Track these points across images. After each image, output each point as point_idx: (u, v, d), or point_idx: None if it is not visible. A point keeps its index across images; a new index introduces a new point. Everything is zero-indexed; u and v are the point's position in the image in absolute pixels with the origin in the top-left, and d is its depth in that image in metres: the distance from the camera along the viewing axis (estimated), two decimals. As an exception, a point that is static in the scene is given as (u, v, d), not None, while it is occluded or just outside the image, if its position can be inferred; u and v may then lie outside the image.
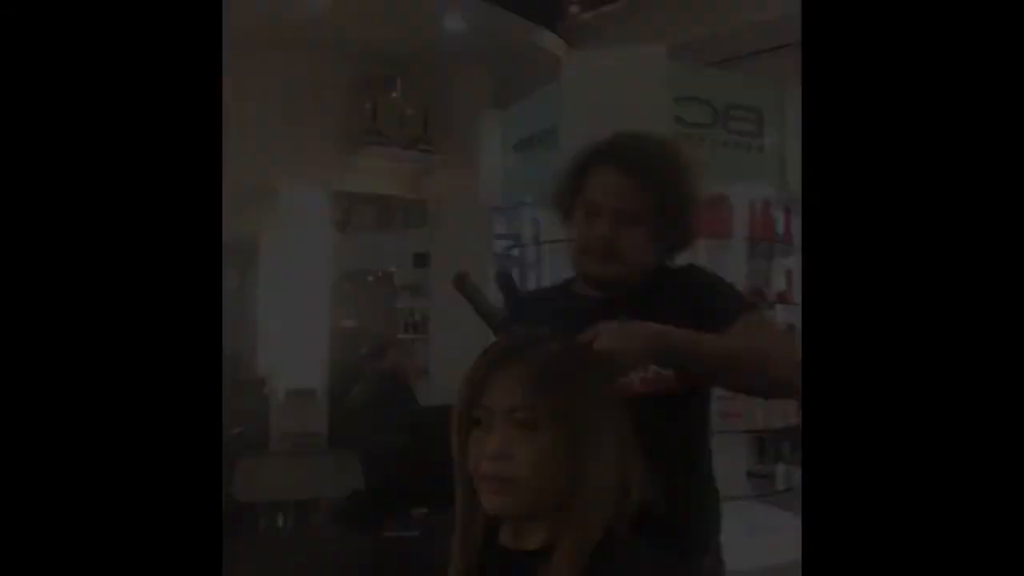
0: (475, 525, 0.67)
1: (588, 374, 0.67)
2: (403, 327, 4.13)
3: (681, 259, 1.05)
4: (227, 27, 0.52)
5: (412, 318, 4.16)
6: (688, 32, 3.08)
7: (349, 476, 2.62)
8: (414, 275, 4.10)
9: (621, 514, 0.62)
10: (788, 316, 2.39)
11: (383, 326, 4.28)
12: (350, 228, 4.62)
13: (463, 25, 3.27)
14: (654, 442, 0.66)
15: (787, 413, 2.12)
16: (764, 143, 2.48)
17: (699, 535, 0.94)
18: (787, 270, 2.51)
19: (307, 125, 3.55)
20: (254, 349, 3.63)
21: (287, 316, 3.38)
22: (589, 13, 3.67)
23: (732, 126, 2.52)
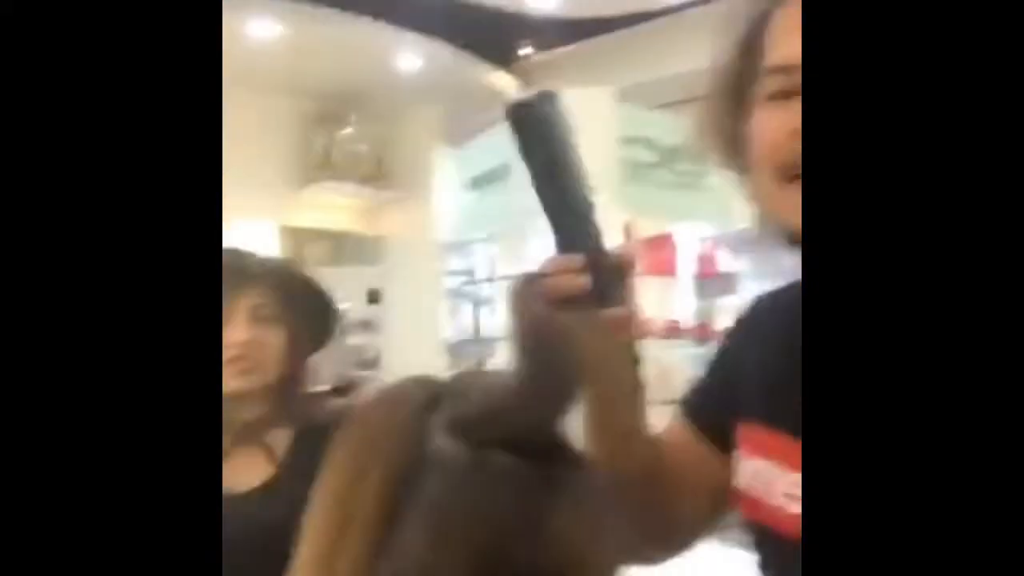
0: None
1: None
2: (356, 364, 4.09)
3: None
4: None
5: (365, 355, 4.12)
6: (636, 76, 3.16)
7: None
8: (367, 311, 4.08)
9: None
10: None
11: (336, 362, 4.22)
12: (303, 263, 4.58)
13: (417, 63, 3.31)
14: None
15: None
16: (710, 183, 2.55)
17: None
18: (732, 307, 2.57)
19: (259, 160, 3.53)
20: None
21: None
22: (541, 55, 3.75)
23: (677, 167, 2.59)
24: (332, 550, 0.42)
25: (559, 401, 0.43)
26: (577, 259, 0.57)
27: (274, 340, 1.15)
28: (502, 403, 0.42)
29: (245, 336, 1.11)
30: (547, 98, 0.58)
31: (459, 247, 3.56)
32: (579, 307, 0.56)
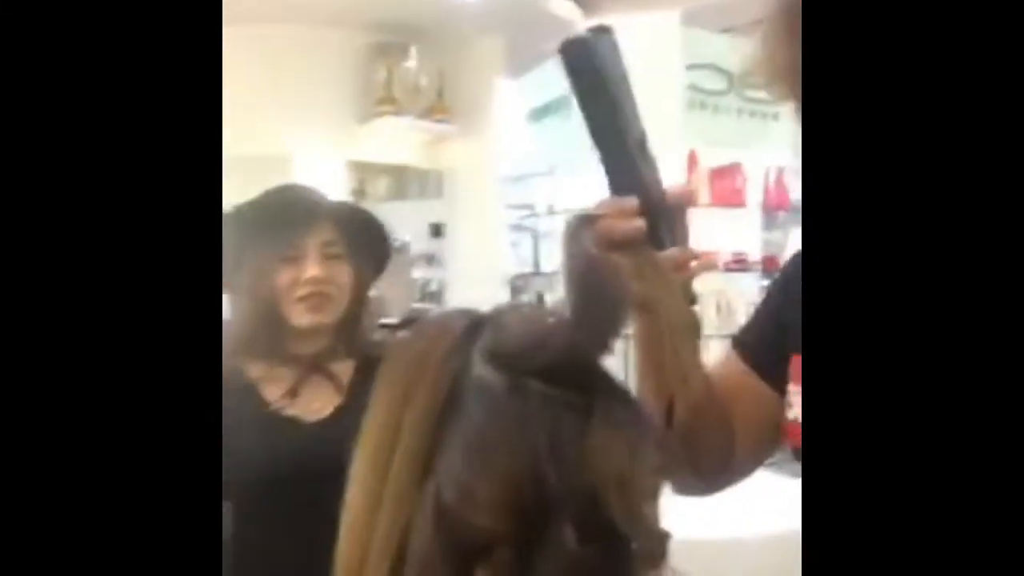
0: None
1: None
2: (419, 296, 4.16)
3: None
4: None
5: (428, 288, 4.18)
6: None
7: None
8: (430, 245, 4.12)
9: None
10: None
11: (401, 295, 4.30)
12: (365, 198, 4.63)
13: (477, -8, 3.24)
14: None
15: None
16: (779, 111, 2.46)
17: None
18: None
19: (320, 94, 3.55)
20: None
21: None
22: (605, -21, 3.62)
23: (747, 94, 2.50)
24: (381, 471, 0.44)
25: (603, 337, 0.44)
26: (631, 201, 0.57)
27: (342, 276, 1.19)
28: (543, 336, 0.43)
29: (318, 272, 1.15)
30: (601, 34, 0.57)
31: (520, 180, 3.54)
32: (633, 248, 0.57)
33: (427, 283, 4.16)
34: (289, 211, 1.18)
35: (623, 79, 0.58)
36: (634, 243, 0.57)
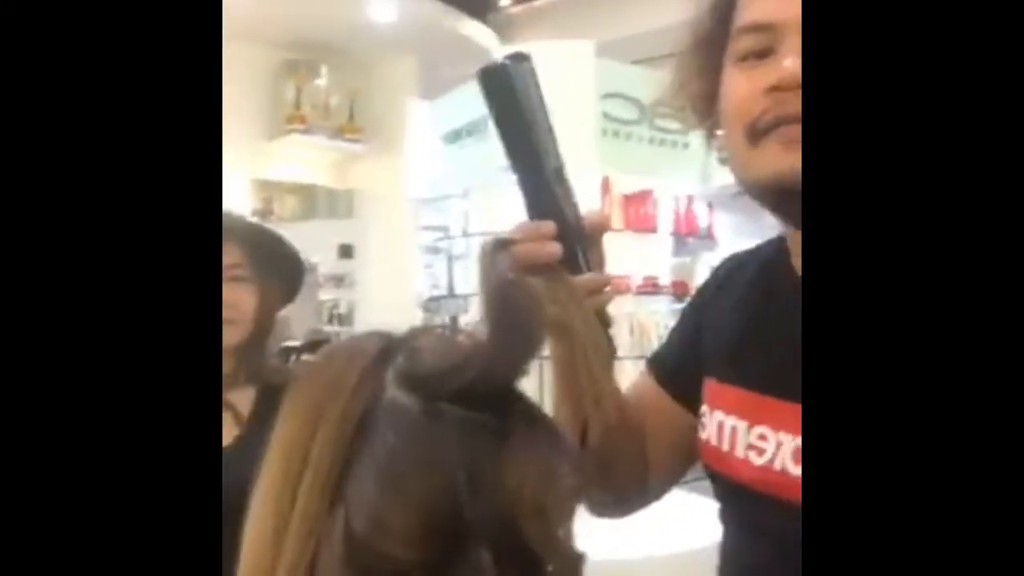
0: None
1: None
2: (327, 318, 4.07)
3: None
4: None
5: (336, 309, 4.09)
6: (617, 29, 3.12)
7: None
8: (338, 266, 4.04)
9: None
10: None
11: (308, 317, 4.20)
12: (272, 217, 4.51)
13: (391, 13, 3.23)
14: None
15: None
16: (689, 140, 2.55)
17: None
18: (711, 265, 2.59)
19: (228, 112, 3.44)
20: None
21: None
22: (520, 7, 3.68)
23: (658, 123, 2.58)
24: (286, 498, 0.42)
25: (519, 360, 0.43)
26: (547, 226, 0.58)
27: (246, 300, 1.14)
28: (458, 359, 0.43)
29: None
30: (519, 62, 0.57)
31: (434, 202, 3.52)
32: (549, 272, 0.57)
33: (335, 304, 4.07)
34: None
35: (540, 106, 0.58)
36: (550, 267, 0.57)
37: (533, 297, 0.47)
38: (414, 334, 0.47)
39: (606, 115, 2.59)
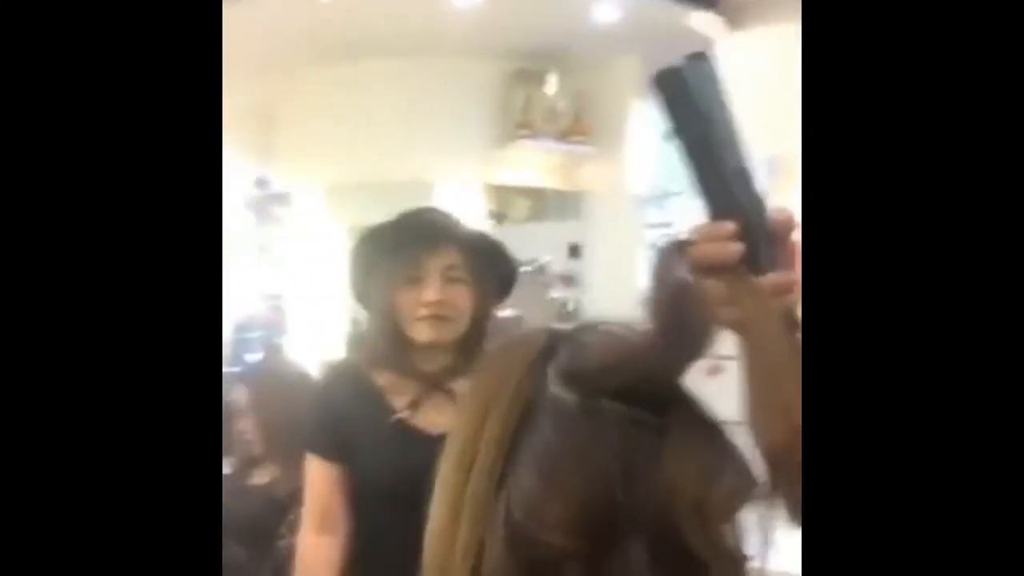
0: None
1: None
2: (557, 317, 4.18)
3: None
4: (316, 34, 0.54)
5: (566, 308, 4.19)
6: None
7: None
8: (568, 265, 4.14)
9: None
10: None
11: (539, 315, 4.35)
12: (506, 221, 4.73)
13: (615, 14, 3.24)
14: None
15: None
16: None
17: None
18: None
19: (461, 122, 3.67)
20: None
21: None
22: (748, -9, 3.52)
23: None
24: (460, 486, 0.45)
25: (681, 362, 0.44)
26: (728, 226, 0.56)
27: (462, 299, 1.23)
28: (619, 357, 0.43)
29: (437, 295, 1.19)
30: (698, 62, 0.56)
31: (658, 199, 3.49)
32: (730, 274, 0.55)
33: (565, 303, 4.18)
34: (415, 234, 1.24)
35: (721, 107, 0.57)
36: (730, 268, 0.56)
37: (704, 300, 0.47)
38: (578, 331, 0.48)
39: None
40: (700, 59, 0.57)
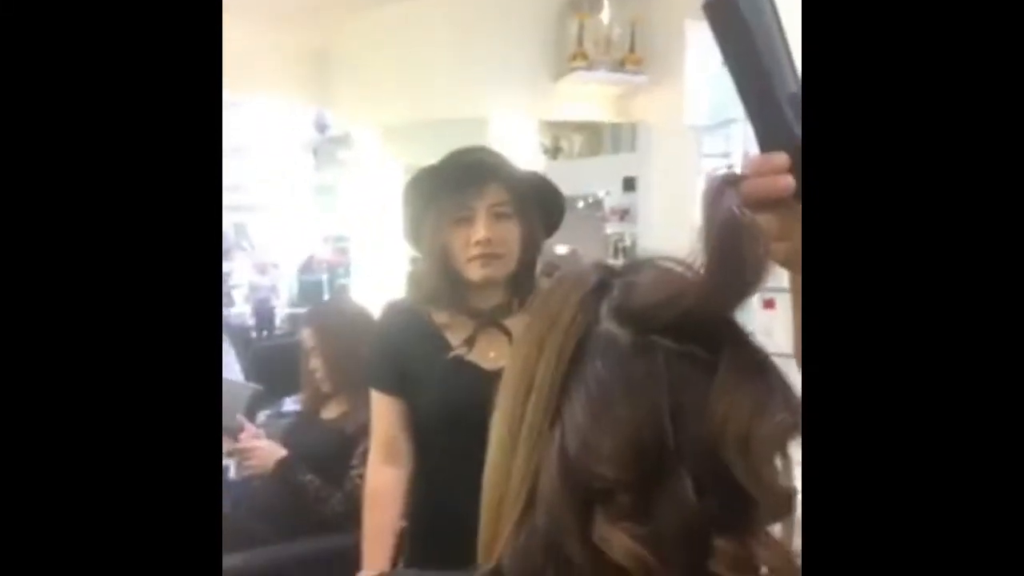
0: None
1: None
2: (613, 251, 4.18)
3: None
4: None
5: (622, 243, 4.18)
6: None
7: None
8: (623, 199, 4.11)
9: None
10: None
11: (595, 250, 4.34)
12: (560, 155, 4.70)
13: (668, -65, 3.14)
14: None
15: None
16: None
17: None
18: None
19: (515, 55, 3.63)
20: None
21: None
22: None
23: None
24: (517, 417, 0.46)
25: (732, 298, 0.44)
26: (780, 157, 0.55)
27: (511, 235, 1.25)
28: (671, 293, 0.44)
29: (487, 233, 1.22)
30: None
31: (716, 129, 3.41)
32: (783, 207, 0.54)
33: (620, 238, 4.16)
34: (462, 174, 1.25)
35: (774, 33, 0.55)
36: (783, 201, 0.54)
37: (757, 235, 0.47)
38: (631, 267, 0.49)
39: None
40: None
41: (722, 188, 0.49)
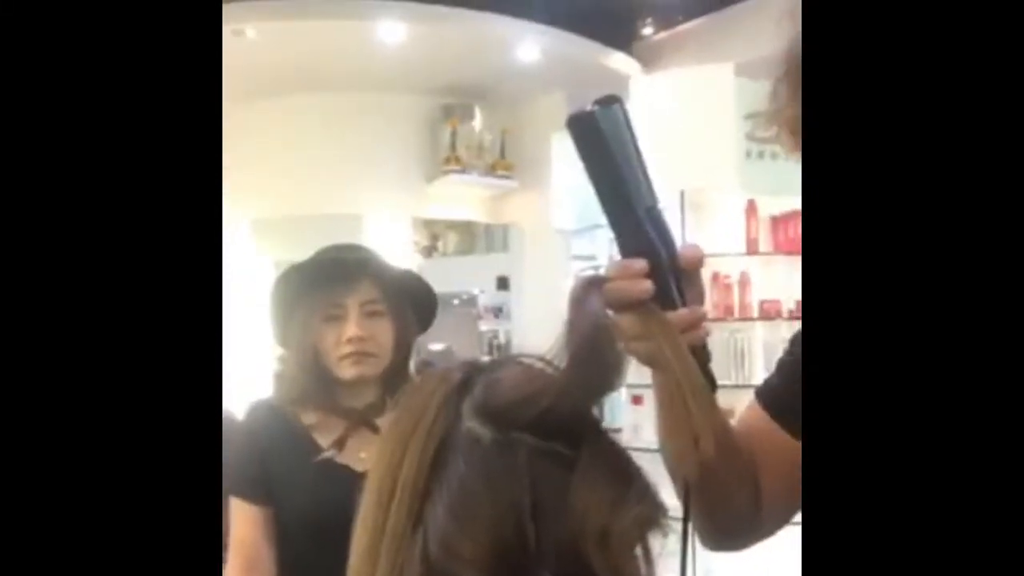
0: None
1: None
2: (487, 348, 4.22)
3: None
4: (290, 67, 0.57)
5: (496, 339, 4.23)
6: (756, 50, 3.05)
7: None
8: (496, 297, 4.19)
9: None
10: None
11: (469, 348, 4.37)
12: (436, 253, 4.76)
13: (536, 52, 3.36)
14: None
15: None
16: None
17: None
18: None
19: (389, 156, 3.71)
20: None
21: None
22: (662, 34, 3.69)
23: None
24: (380, 518, 0.45)
25: (592, 395, 0.45)
26: (639, 263, 0.59)
27: (384, 333, 1.24)
28: (532, 390, 0.44)
29: (358, 331, 1.21)
30: (609, 105, 0.59)
31: (583, 232, 3.58)
32: (641, 309, 0.58)
33: (495, 335, 4.22)
34: (333, 271, 1.24)
35: (631, 147, 0.60)
36: (642, 304, 0.58)
37: (616, 335, 0.48)
38: (495, 364, 0.48)
39: (750, 136, 2.54)
40: (613, 102, 0.59)
41: (586, 290, 0.51)
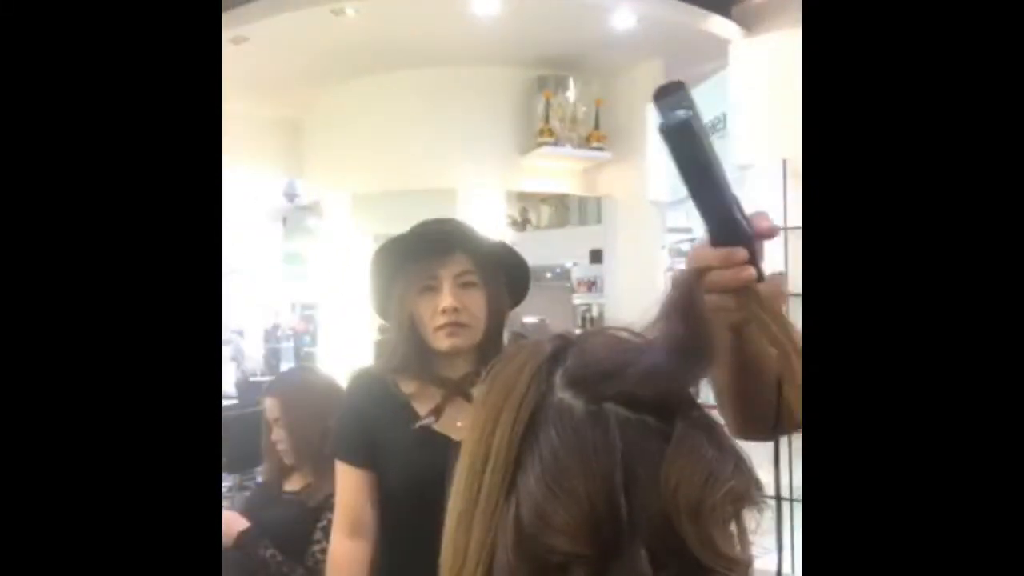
0: None
1: None
2: (579, 322, 4.22)
3: None
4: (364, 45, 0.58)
5: (588, 313, 4.23)
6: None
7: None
8: (590, 271, 4.17)
9: None
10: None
11: (562, 321, 4.38)
12: (529, 226, 4.78)
13: (632, 19, 3.29)
14: None
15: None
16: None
17: None
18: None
19: (484, 130, 3.73)
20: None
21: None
22: (764, -5, 3.54)
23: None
24: (474, 488, 0.46)
25: (686, 371, 0.45)
26: (741, 253, 0.61)
27: (477, 304, 1.27)
28: (624, 361, 0.44)
29: (452, 302, 1.24)
30: (676, 91, 0.59)
31: (677, 204, 3.51)
32: (742, 291, 0.61)
33: (588, 308, 4.21)
34: (428, 244, 1.28)
35: (709, 136, 0.61)
36: (747, 289, 0.61)
37: (712, 309, 0.49)
38: (588, 336, 0.49)
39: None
40: (676, 89, 0.60)
41: (694, 280, 0.52)
